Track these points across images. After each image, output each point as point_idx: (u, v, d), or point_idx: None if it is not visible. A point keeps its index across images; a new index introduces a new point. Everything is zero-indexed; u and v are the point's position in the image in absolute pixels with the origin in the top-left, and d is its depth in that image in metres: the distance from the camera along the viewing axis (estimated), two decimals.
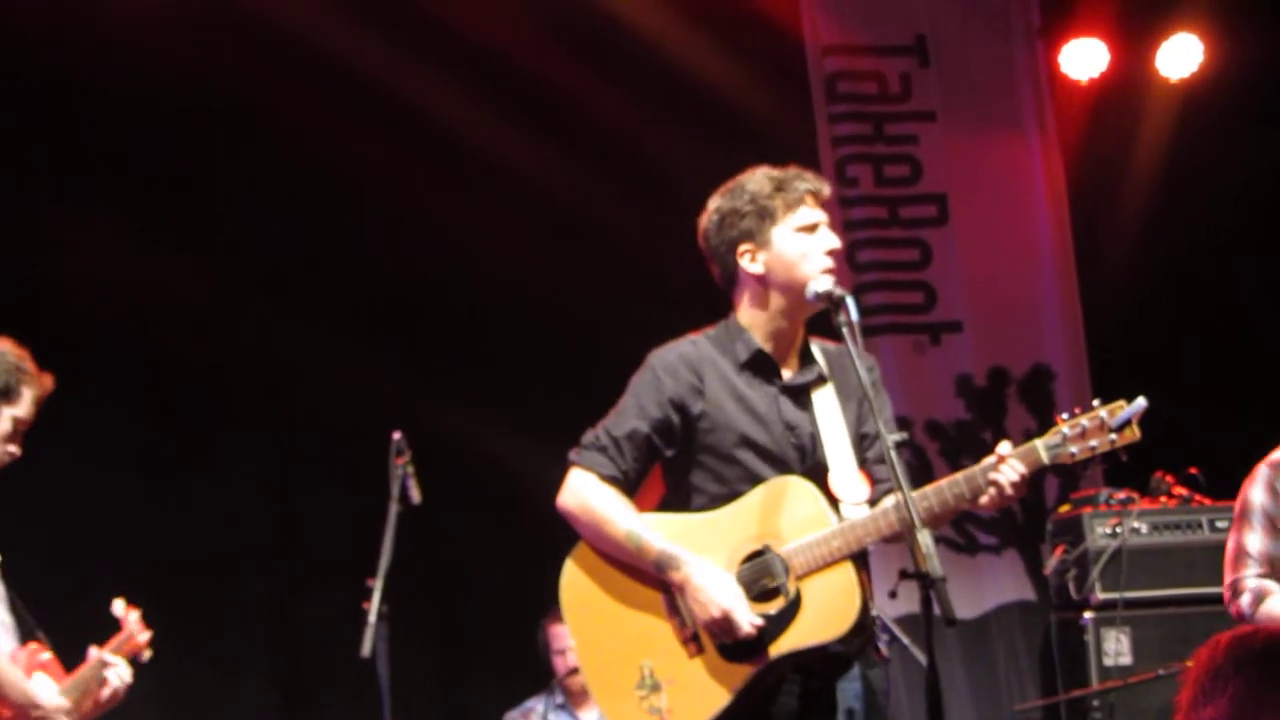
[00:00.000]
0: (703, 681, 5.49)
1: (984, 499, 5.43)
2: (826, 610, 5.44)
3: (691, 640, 5.52)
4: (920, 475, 10.73)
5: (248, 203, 10.16)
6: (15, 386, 6.15)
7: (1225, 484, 8.88)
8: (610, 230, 10.21)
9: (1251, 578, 6.92)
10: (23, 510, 8.18)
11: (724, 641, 5.44)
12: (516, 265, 10.50)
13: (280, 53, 10.04)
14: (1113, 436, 5.44)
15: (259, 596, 8.63)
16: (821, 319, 5.68)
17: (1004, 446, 5.46)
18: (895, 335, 11.32)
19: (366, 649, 6.62)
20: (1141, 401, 5.44)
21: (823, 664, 5.53)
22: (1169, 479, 9.58)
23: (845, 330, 5.42)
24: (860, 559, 5.52)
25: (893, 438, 5.23)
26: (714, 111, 10.71)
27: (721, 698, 5.46)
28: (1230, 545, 7.09)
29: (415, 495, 6.98)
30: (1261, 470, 7.03)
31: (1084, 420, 5.47)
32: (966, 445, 11.21)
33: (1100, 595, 9.70)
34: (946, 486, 5.46)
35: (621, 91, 10.62)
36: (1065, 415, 5.53)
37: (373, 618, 6.64)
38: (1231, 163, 11.71)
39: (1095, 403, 5.52)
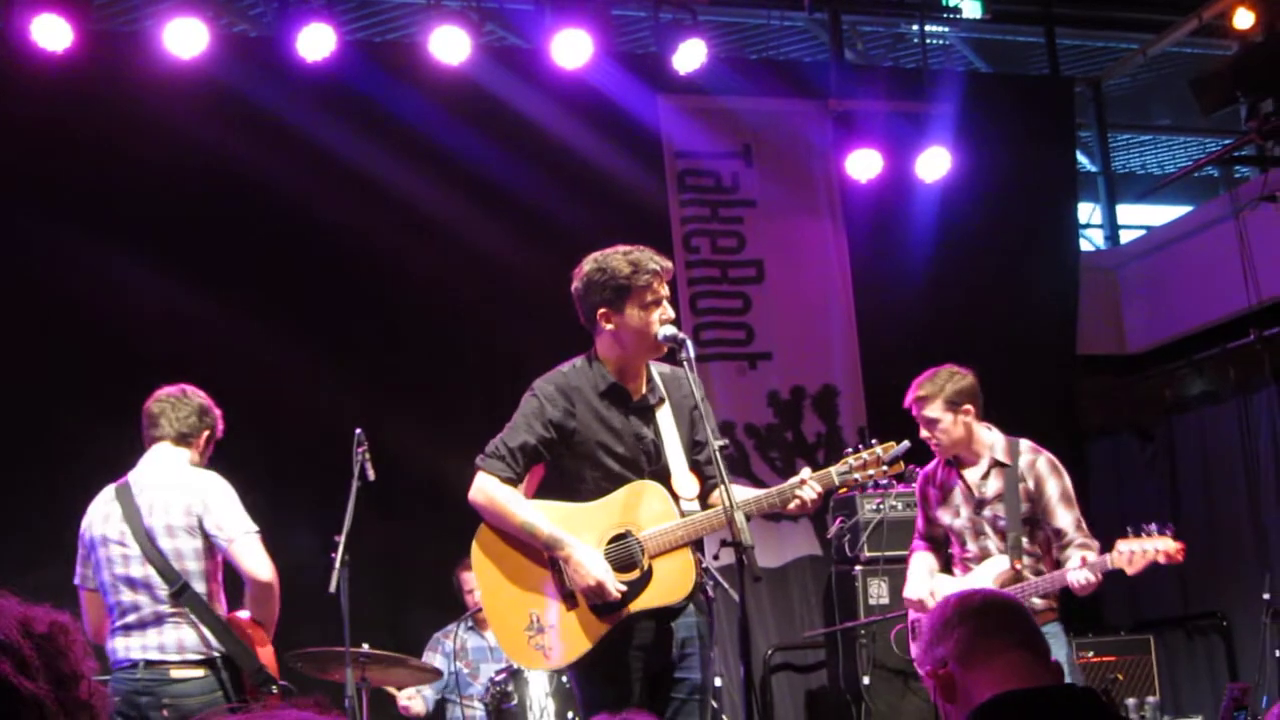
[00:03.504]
0: (576, 628, 5.61)
1: (790, 506, 5.62)
2: (670, 582, 5.60)
3: (569, 598, 5.62)
4: (740, 465, 10.92)
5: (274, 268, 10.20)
6: (214, 433, 6.70)
7: None
8: (526, 280, 10.15)
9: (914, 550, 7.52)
10: None
11: (595, 603, 5.57)
12: (452, 311, 10.52)
13: (302, 151, 10.08)
14: (885, 468, 5.69)
15: None
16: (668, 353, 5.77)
17: (806, 471, 5.65)
18: (723, 362, 11.35)
19: (333, 586, 6.66)
20: (906, 444, 5.73)
21: (665, 613, 5.67)
22: (917, 470, 9.67)
23: (685, 363, 5.56)
24: (696, 542, 5.68)
25: (718, 443, 5.40)
26: (603, 195, 10.72)
27: (589, 641, 5.59)
28: None
29: (370, 474, 6.99)
30: (918, 481, 7.59)
31: (865, 455, 5.69)
32: (774, 442, 11.33)
33: (867, 553, 9.78)
34: (764, 496, 5.64)
35: (541, 178, 10.65)
36: (851, 450, 5.75)
37: (338, 564, 6.67)
38: (969, 239, 11.90)
39: (874, 442, 5.75)
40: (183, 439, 6.53)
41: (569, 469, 5.78)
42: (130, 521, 6.32)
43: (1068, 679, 3.89)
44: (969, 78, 12.76)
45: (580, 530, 5.63)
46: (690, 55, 10.63)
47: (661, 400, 5.84)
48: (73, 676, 2.24)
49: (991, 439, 7.22)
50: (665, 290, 5.75)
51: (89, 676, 2.28)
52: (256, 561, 6.32)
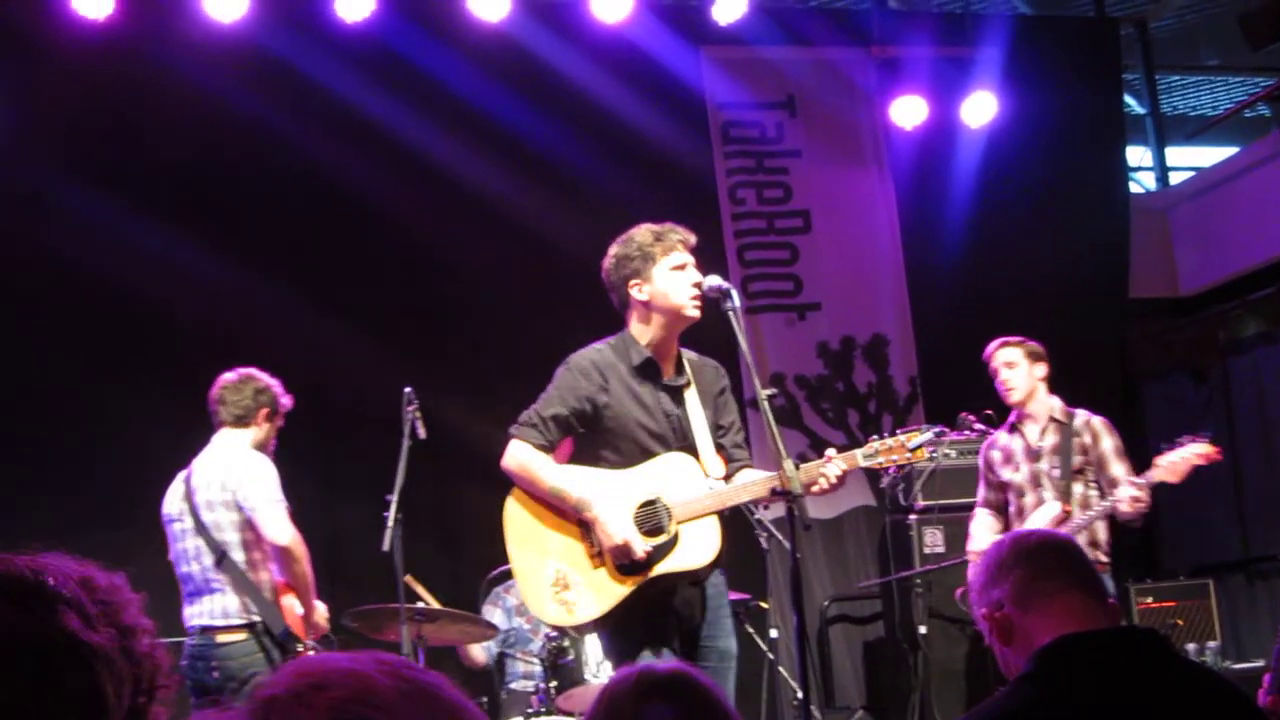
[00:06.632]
0: (602, 585, 5.78)
1: (815, 488, 5.68)
2: (694, 548, 5.77)
3: (596, 556, 5.79)
4: (792, 416, 10.89)
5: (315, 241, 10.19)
6: (274, 408, 7.28)
7: None
8: (566, 249, 9.98)
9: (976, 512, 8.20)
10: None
11: (622, 562, 5.71)
12: (493, 276, 10.48)
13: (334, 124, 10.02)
14: (909, 454, 5.80)
15: (308, 505, 8.52)
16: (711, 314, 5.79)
17: (831, 451, 5.78)
18: (772, 313, 11.32)
19: (385, 545, 6.67)
20: (930, 433, 5.85)
21: (694, 575, 5.84)
22: (970, 417, 9.61)
23: (731, 314, 5.72)
24: (721, 514, 5.82)
25: (765, 392, 5.58)
26: (646, 150, 10.67)
27: (615, 598, 5.75)
28: None
29: (422, 433, 7.00)
30: (981, 450, 8.29)
31: (890, 440, 5.80)
32: (825, 393, 11.31)
33: (922, 502, 9.77)
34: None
35: (582, 135, 10.57)
36: (876, 437, 5.86)
37: (391, 522, 6.68)
38: (1017, 184, 11.83)
39: (899, 430, 5.88)
40: (240, 420, 7.15)
41: (601, 442, 5.92)
42: (187, 500, 7.00)
43: None
44: (1014, 21, 12.63)
45: (610, 495, 5.79)
46: (731, 5, 10.57)
47: (689, 384, 6.01)
48: (133, 629, 2.26)
49: (1052, 402, 7.95)
50: (692, 260, 5.93)
51: (149, 631, 2.30)
52: (276, 528, 6.86)
